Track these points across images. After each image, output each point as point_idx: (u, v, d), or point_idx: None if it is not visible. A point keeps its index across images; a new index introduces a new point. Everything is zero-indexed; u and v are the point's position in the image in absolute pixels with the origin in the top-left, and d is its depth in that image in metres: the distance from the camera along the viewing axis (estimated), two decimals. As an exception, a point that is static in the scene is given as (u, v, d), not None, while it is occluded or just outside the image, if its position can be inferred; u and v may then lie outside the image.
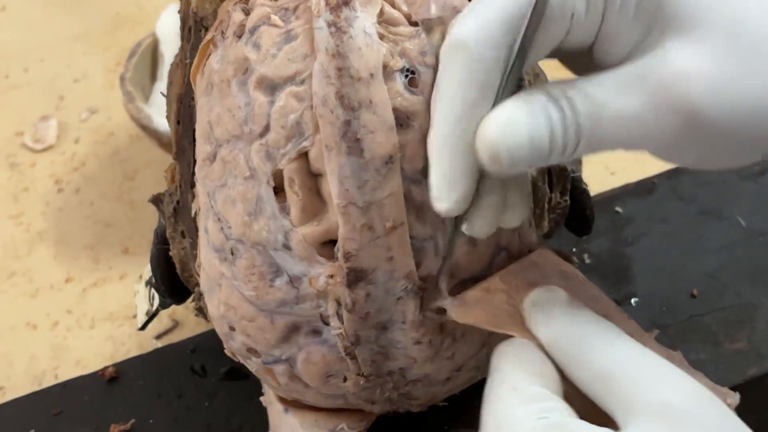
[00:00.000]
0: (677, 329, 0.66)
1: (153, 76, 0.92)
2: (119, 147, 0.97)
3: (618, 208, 0.74)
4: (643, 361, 0.41)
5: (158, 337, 0.81)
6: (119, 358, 0.75)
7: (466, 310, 0.48)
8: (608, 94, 0.41)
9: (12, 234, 0.90)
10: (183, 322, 0.82)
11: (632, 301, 0.68)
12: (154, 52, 0.92)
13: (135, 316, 0.82)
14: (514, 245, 0.52)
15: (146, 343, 0.80)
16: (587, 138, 0.42)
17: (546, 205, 0.57)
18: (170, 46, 0.92)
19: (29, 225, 0.91)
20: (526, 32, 0.42)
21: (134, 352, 0.77)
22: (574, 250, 0.71)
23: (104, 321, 0.82)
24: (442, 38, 0.47)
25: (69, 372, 0.76)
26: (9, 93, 1.03)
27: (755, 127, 0.41)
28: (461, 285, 0.50)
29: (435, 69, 0.47)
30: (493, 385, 0.43)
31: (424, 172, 0.47)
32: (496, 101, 0.42)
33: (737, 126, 0.41)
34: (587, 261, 0.71)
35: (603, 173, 0.86)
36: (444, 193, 0.44)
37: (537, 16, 0.41)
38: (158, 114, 0.85)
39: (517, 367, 0.43)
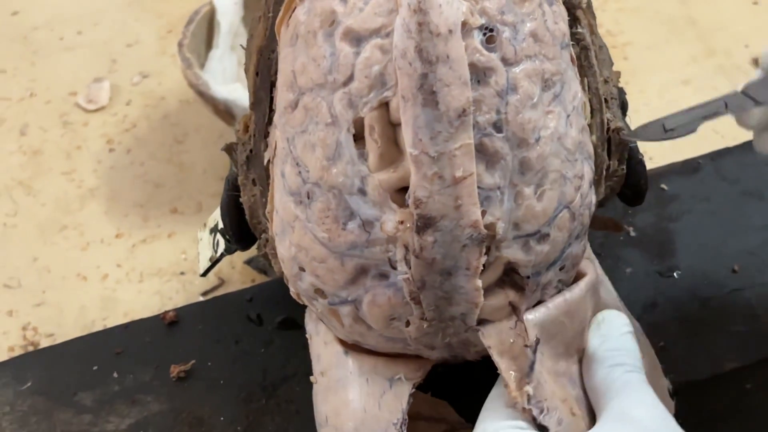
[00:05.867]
0: (717, 302, 0.69)
1: (208, 44, 0.94)
2: (169, 111, 1.00)
3: (663, 186, 0.77)
4: (639, 390, 0.53)
5: (205, 293, 0.83)
6: (166, 312, 0.78)
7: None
8: None
9: (64, 189, 0.93)
10: (228, 281, 0.84)
11: (675, 273, 0.71)
12: (210, 21, 0.95)
13: (182, 273, 0.85)
14: (576, 204, 0.54)
15: (193, 298, 0.83)
16: None
17: (604, 172, 0.60)
18: (226, 16, 0.94)
19: (81, 182, 0.93)
20: None
21: (181, 307, 0.79)
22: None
23: (152, 276, 0.85)
24: None
25: (117, 322, 0.78)
26: (63, 54, 1.06)
27: None
28: (524, 239, 0.52)
29: (513, 27, 0.50)
30: (491, 397, 0.54)
31: (496, 126, 0.50)
32: None
33: None
34: (632, 234, 0.73)
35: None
36: None
37: None
38: (214, 81, 0.88)
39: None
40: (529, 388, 0.52)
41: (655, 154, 0.89)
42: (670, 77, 1.00)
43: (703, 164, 0.78)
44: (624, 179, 0.62)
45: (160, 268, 0.86)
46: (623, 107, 0.64)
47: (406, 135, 0.48)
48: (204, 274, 0.71)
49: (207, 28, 0.94)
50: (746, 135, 0.86)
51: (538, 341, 0.53)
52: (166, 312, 0.71)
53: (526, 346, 0.53)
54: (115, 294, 0.84)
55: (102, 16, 1.10)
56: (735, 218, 0.74)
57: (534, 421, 0.52)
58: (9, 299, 0.84)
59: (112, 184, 0.93)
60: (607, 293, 0.63)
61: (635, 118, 0.94)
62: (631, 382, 0.53)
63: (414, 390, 0.56)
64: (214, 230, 0.67)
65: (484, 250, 0.51)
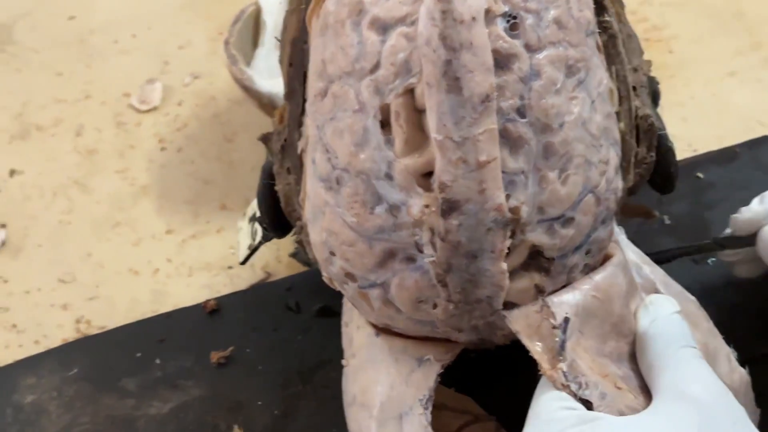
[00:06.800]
0: (751, 289, 0.68)
1: (254, 43, 0.96)
2: (220, 110, 1.02)
3: (699, 174, 0.77)
4: (694, 364, 0.53)
5: (251, 286, 0.85)
6: (215, 305, 0.79)
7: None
8: None
9: (118, 187, 0.95)
10: (274, 274, 0.85)
11: (709, 261, 0.71)
12: (256, 20, 0.96)
13: (230, 267, 0.87)
14: (601, 189, 0.55)
15: (240, 292, 0.84)
16: None
17: (633, 159, 0.60)
18: (272, 15, 0.96)
19: (134, 180, 0.96)
20: None
21: (229, 300, 0.81)
22: (656, 212, 0.74)
23: (201, 270, 0.87)
24: None
25: (166, 315, 0.81)
26: (118, 57, 1.09)
27: None
28: (549, 223, 0.53)
29: (536, 14, 0.51)
30: (542, 385, 0.54)
31: (520, 111, 0.51)
32: None
33: None
34: (667, 222, 0.74)
35: (686, 150, 0.89)
36: None
37: None
38: (259, 77, 0.90)
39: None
40: (562, 365, 0.53)
41: (700, 147, 0.89)
42: (716, 70, 1.00)
43: (741, 153, 0.78)
44: (654, 166, 0.62)
45: (208, 262, 0.87)
46: (655, 96, 0.64)
47: (431, 120, 0.50)
48: (243, 262, 0.72)
49: (253, 27, 0.96)
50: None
51: (567, 320, 0.54)
52: (207, 301, 0.73)
53: (554, 327, 0.54)
54: (165, 288, 0.86)
55: (155, 20, 1.12)
56: (772, 206, 0.74)
57: (576, 397, 0.52)
58: (64, 293, 0.86)
59: (164, 182, 0.95)
60: (649, 274, 0.63)
61: (680, 111, 0.95)
62: (686, 358, 0.53)
63: (443, 370, 0.57)
64: (252, 219, 0.69)
65: (508, 234, 0.52)
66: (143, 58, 1.08)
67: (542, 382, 0.54)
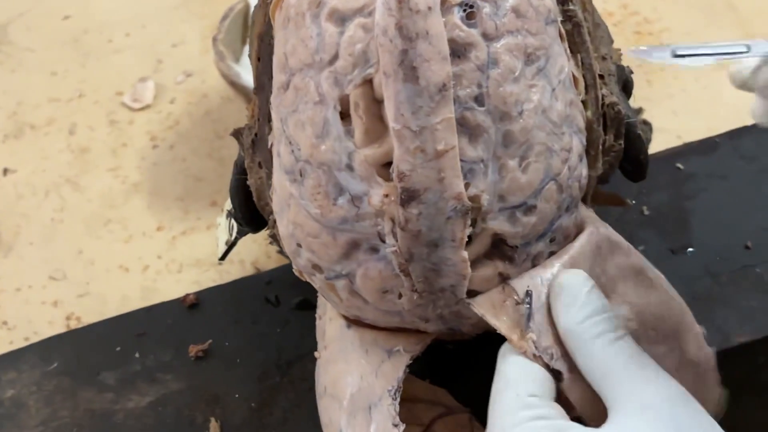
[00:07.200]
0: (730, 277, 0.69)
1: (243, 39, 0.97)
2: (211, 108, 1.02)
3: (679, 165, 0.77)
4: (634, 364, 0.50)
5: (240, 282, 0.85)
6: (204, 301, 0.80)
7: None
8: None
9: (109, 185, 0.96)
10: (264, 269, 0.86)
11: (688, 250, 0.71)
12: (245, 17, 0.97)
13: (220, 263, 0.87)
14: (564, 176, 0.55)
15: (229, 287, 0.85)
16: None
17: (600, 147, 0.60)
18: (262, 11, 0.97)
19: (125, 177, 0.96)
20: None
21: (218, 296, 0.81)
22: (633, 202, 0.74)
23: (191, 267, 0.87)
24: None
25: (155, 311, 0.81)
26: (111, 56, 1.09)
27: None
28: (510, 211, 0.53)
29: (494, 3, 0.51)
30: (499, 389, 0.52)
31: (478, 100, 0.51)
32: None
33: None
34: (646, 212, 0.73)
35: (676, 142, 0.88)
36: None
37: None
38: (246, 72, 0.90)
39: (521, 375, 0.52)
40: (532, 335, 0.53)
41: (690, 139, 0.89)
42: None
43: (721, 143, 0.78)
44: (623, 154, 0.62)
45: (198, 258, 0.88)
46: (626, 85, 0.64)
47: (389, 110, 0.50)
48: (222, 258, 0.73)
49: (242, 24, 0.97)
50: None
51: (529, 293, 0.54)
52: (187, 295, 0.74)
53: (517, 303, 0.54)
54: (155, 284, 0.86)
55: (150, 19, 1.13)
56: (752, 196, 0.73)
57: (548, 368, 0.52)
58: (54, 291, 0.87)
59: (155, 179, 0.96)
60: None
61: (670, 104, 0.95)
62: (620, 359, 0.50)
63: (411, 361, 0.57)
64: (229, 214, 0.69)
65: (468, 222, 0.52)
66: (137, 56, 1.09)
67: (501, 382, 0.53)
